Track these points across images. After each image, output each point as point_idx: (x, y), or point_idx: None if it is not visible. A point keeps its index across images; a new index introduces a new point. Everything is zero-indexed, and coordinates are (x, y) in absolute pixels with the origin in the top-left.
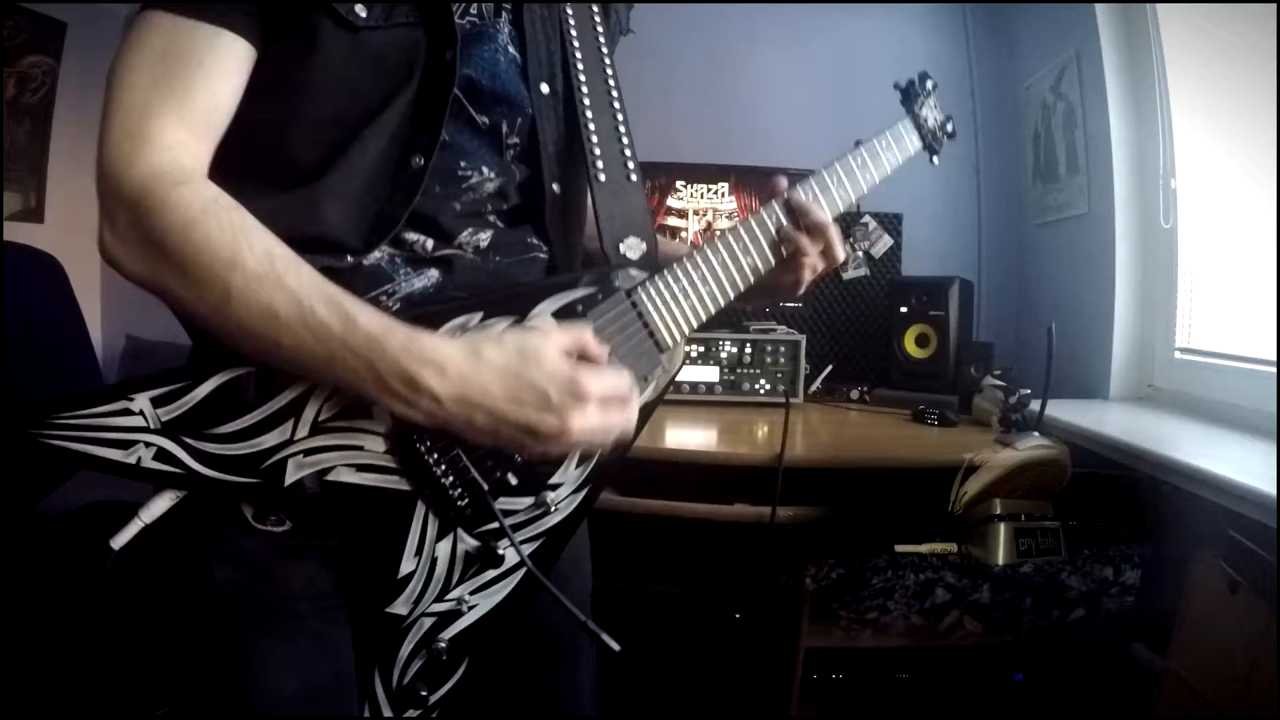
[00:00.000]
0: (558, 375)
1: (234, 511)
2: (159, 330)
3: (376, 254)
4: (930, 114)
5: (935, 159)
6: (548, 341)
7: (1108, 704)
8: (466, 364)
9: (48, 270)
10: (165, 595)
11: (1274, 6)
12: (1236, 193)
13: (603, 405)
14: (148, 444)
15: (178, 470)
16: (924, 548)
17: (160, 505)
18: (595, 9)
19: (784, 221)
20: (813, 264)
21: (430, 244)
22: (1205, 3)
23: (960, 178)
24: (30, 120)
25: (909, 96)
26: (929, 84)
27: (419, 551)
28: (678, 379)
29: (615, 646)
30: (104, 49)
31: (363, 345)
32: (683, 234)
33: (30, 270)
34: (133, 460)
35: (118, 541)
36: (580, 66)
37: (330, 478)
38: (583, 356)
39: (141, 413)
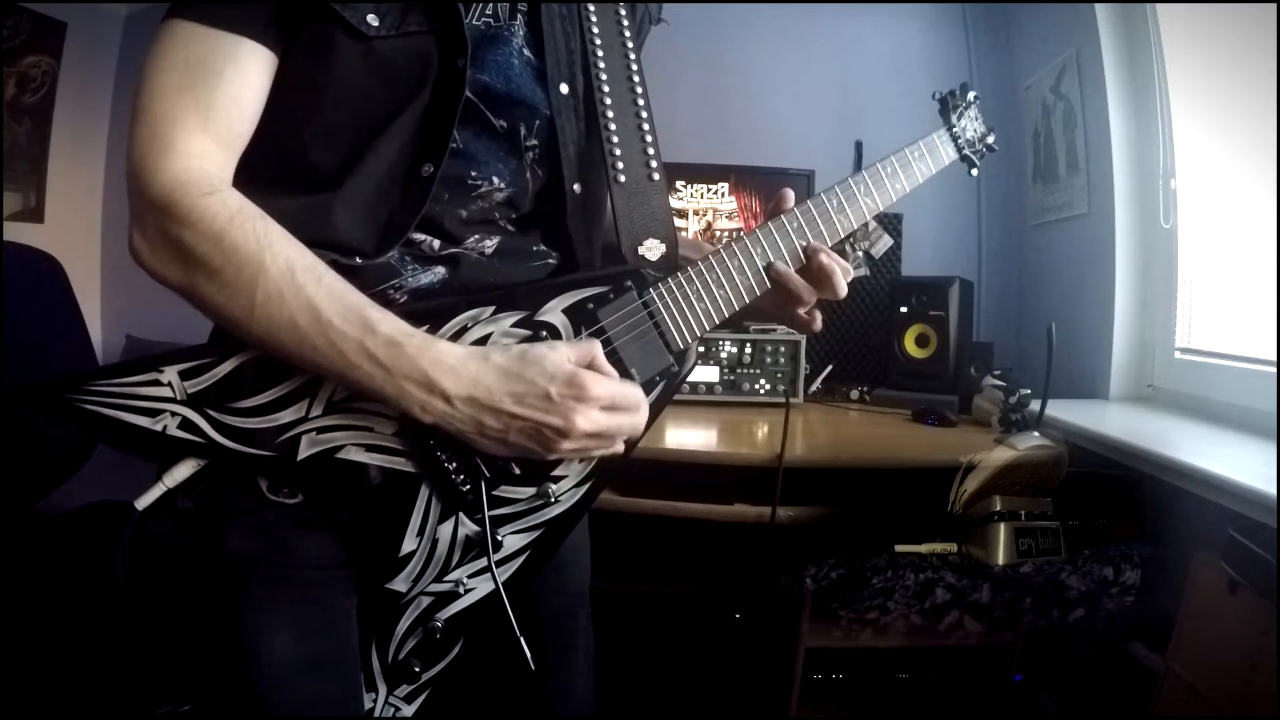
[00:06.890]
0: (559, 374)
1: (250, 483)
2: (159, 330)
3: None
4: (970, 125)
5: (974, 171)
6: (553, 349)
7: (1108, 704)
8: (474, 365)
9: (48, 270)
10: (167, 589)
11: (1274, 6)
12: (1236, 193)
13: (608, 409)
14: (173, 414)
15: (199, 440)
16: (924, 548)
17: (182, 471)
18: (621, 4)
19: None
20: (800, 287)
21: (437, 244)
22: (1205, 2)
23: (960, 177)
24: (30, 120)
25: (946, 107)
26: (970, 95)
27: (421, 532)
28: None
29: (531, 665)
30: (104, 49)
31: (381, 350)
32: (682, 234)
33: (30, 270)
34: (158, 428)
35: (141, 503)
36: (601, 65)
37: (340, 456)
38: (590, 367)
39: (170, 384)
